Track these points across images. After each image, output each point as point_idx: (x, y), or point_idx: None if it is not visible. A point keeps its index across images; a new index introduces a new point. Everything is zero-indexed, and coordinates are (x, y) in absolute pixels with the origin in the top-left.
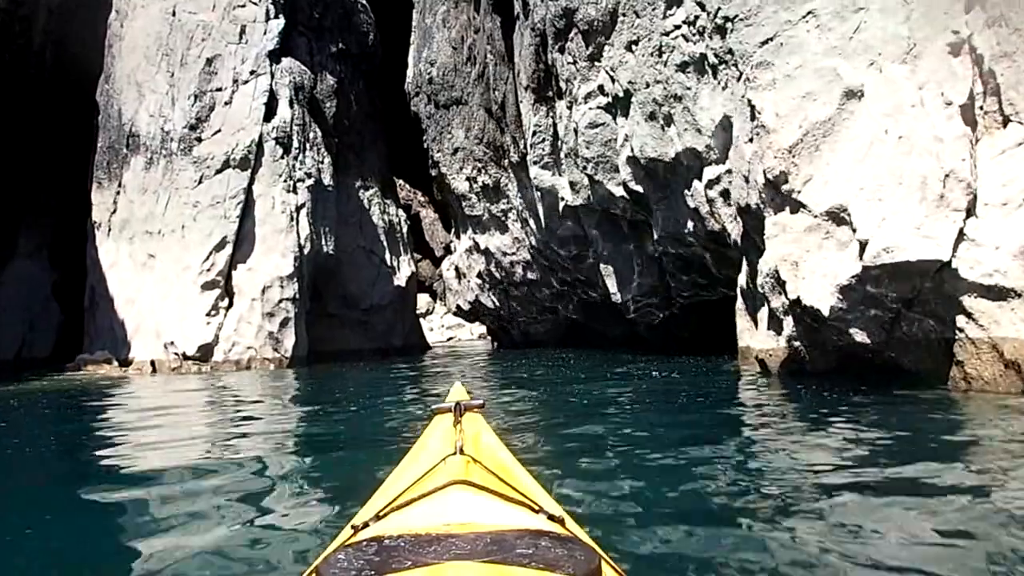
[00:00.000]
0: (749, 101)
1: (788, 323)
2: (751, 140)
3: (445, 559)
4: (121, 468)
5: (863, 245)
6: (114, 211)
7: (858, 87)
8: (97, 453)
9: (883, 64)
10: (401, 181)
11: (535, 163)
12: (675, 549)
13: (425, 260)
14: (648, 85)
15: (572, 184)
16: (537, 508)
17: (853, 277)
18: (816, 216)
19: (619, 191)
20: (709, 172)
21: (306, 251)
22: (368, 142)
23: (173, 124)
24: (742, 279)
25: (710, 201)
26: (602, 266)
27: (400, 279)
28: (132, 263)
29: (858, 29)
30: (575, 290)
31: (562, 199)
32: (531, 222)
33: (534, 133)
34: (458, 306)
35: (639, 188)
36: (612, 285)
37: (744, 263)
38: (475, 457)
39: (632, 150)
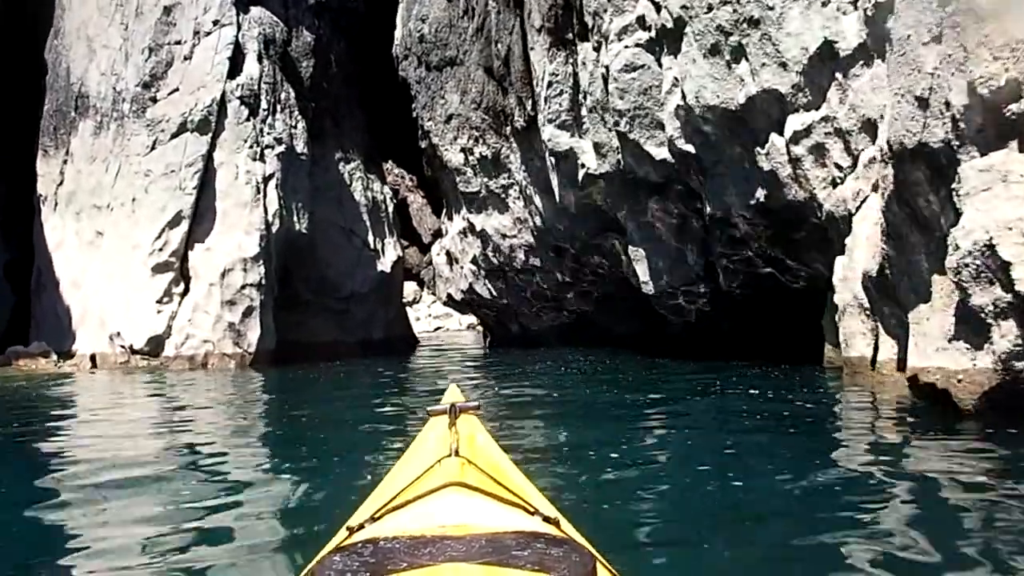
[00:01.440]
0: None
1: (1007, 331)
2: (934, 39)
3: (440, 561)
4: None
5: None
6: (60, 182)
7: None
8: None
9: None
10: (388, 163)
11: (550, 121)
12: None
13: (412, 247)
14: (710, 8)
15: (597, 147)
16: (532, 510)
17: None
18: None
19: (660, 153)
20: (795, 122)
21: (274, 228)
22: (349, 109)
23: (126, 83)
24: (841, 267)
25: (795, 161)
26: (631, 249)
27: (384, 264)
28: (78, 241)
29: None
30: (586, 279)
31: (582, 166)
32: (536, 199)
33: (549, 85)
34: (449, 295)
35: (689, 148)
36: (642, 272)
37: (849, 242)
38: (470, 459)
39: (683, 98)
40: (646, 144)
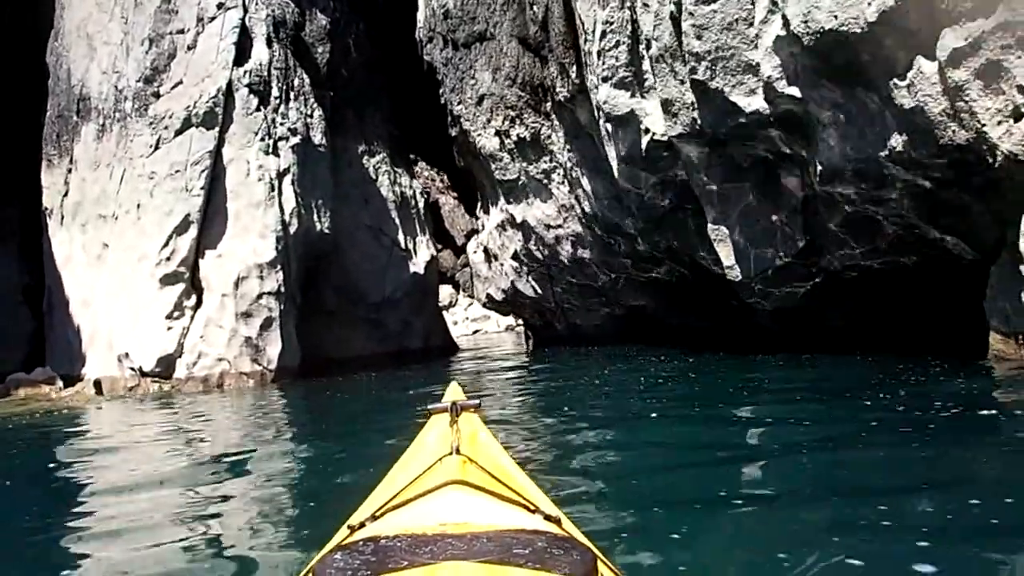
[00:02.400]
0: None
1: None
2: None
3: (441, 559)
4: None
5: None
6: (65, 194)
7: None
8: None
9: None
10: (418, 164)
11: (605, 80)
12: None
13: (446, 250)
14: None
15: (666, 105)
16: (533, 508)
17: None
18: None
19: (752, 102)
20: (955, 36)
21: (292, 230)
22: (372, 99)
23: (127, 79)
24: None
25: (954, 91)
26: (711, 228)
27: (417, 265)
28: (86, 256)
29: None
30: (646, 269)
31: (646, 131)
32: (584, 182)
33: (603, 36)
34: (489, 296)
35: (793, 91)
36: (726, 254)
37: None
38: (471, 457)
39: (786, 26)
40: (733, 93)
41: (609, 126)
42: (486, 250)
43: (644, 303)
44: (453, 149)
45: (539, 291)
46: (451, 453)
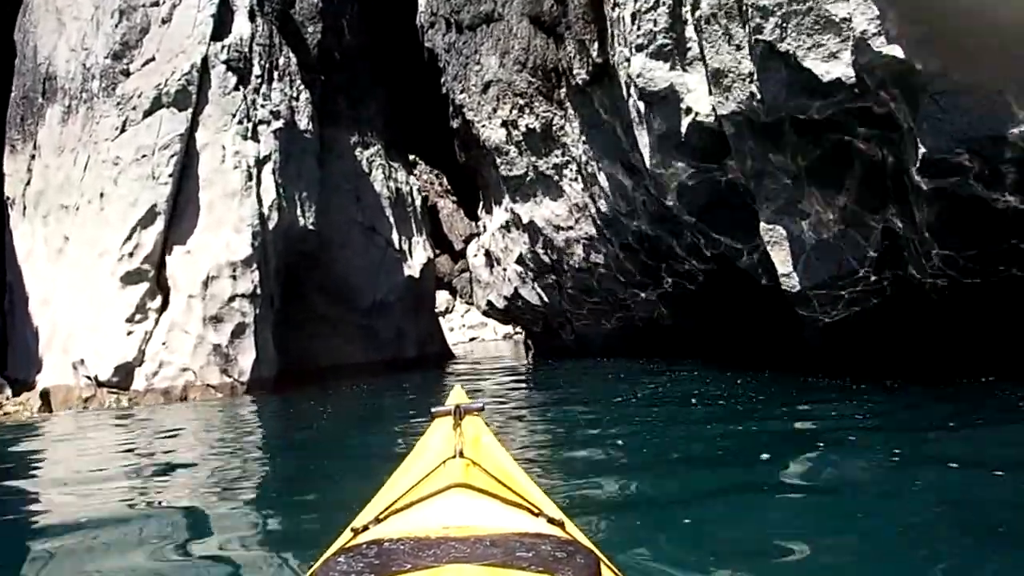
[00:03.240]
0: None
1: None
2: None
3: (445, 562)
4: None
5: None
6: (28, 181)
7: None
8: None
9: None
10: (417, 166)
11: (640, 49)
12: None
13: (444, 255)
14: None
15: (716, 76)
16: (537, 511)
17: None
18: None
19: (834, 69)
20: None
21: (272, 224)
22: (367, 87)
23: (96, 56)
24: None
25: None
26: (764, 228)
27: (412, 267)
28: (47, 249)
29: None
30: (673, 276)
31: (687, 111)
32: (601, 177)
33: None
34: (489, 303)
35: (894, 51)
36: (781, 260)
37: None
38: (475, 460)
39: None
40: (808, 58)
41: (642, 106)
42: (488, 253)
43: (662, 314)
44: (454, 143)
45: (546, 299)
46: (454, 456)
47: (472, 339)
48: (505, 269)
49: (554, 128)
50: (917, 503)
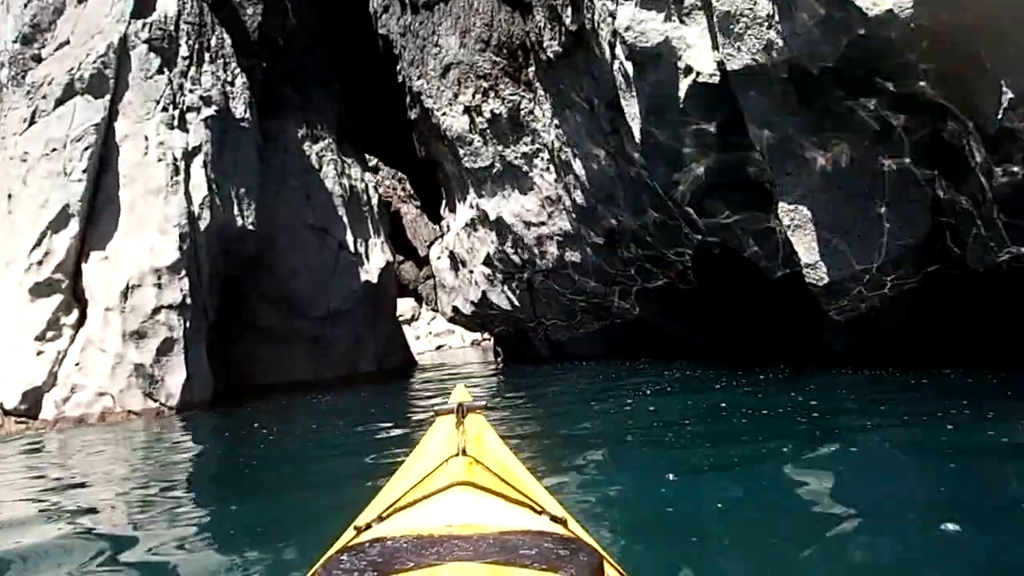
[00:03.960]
0: None
1: None
2: None
3: (447, 560)
4: None
5: None
6: None
7: None
8: None
9: None
10: (380, 168)
11: None
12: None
13: (408, 262)
14: None
15: (725, 22)
16: (540, 509)
17: None
18: None
19: (886, 1)
20: None
21: (203, 224)
22: (317, 76)
23: (4, 41)
24: None
25: None
26: (783, 210)
27: (370, 272)
28: None
29: None
30: (655, 273)
31: (687, 71)
32: (577, 165)
33: None
34: (455, 309)
35: None
36: (806, 248)
37: None
38: (477, 458)
39: None
40: None
41: (630, 68)
42: (452, 255)
43: (646, 316)
44: (413, 137)
45: (516, 302)
46: (457, 454)
47: (439, 347)
48: (471, 271)
49: (522, 112)
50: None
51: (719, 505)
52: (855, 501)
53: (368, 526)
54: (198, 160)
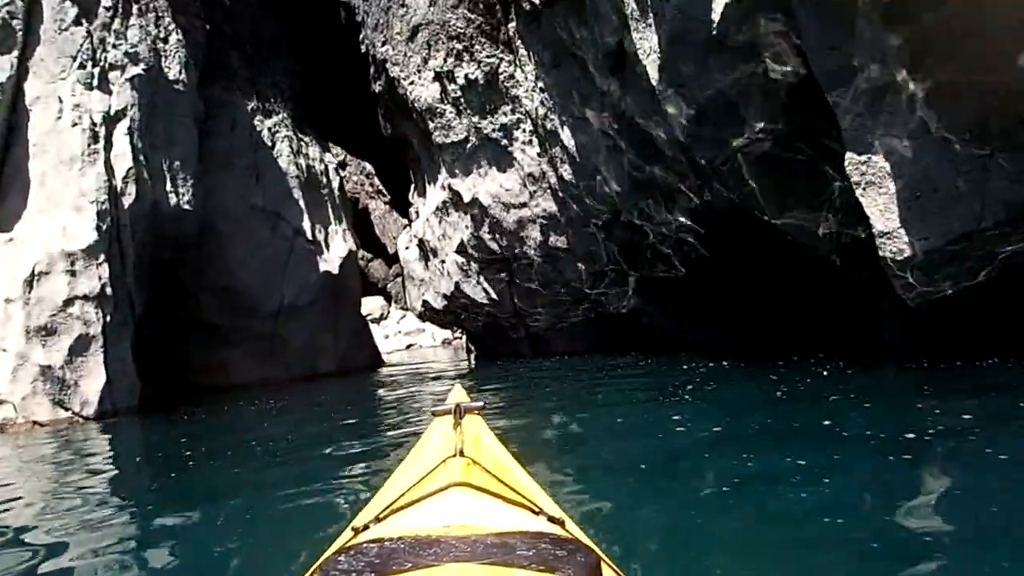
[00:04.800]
0: None
1: None
2: None
3: (445, 561)
4: None
5: None
6: None
7: None
8: None
9: None
10: (347, 164)
11: None
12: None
13: (377, 259)
14: None
15: None
16: (537, 510)
17: None
18: None
19: None
20: None
21: (127, 201)
22: (268, 42)
23: None
24: None
25: None
26: (854, 162)
27: (330, 261)
28: None
29: None
30: (656, 258)
31: None
32: (566, 133)
33: None
34: (425, 303)
35: None
36: (880, 212)
37: None
38: (475, 459)
39: None
40: None
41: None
42: (422, 244)
43: (643, 308)
44: (378, 112)
45: (493, 295)
46: (455, 455)
47: (409, 346)
48: (443, 261)
49: (501, 77)
50: None
51: (769, 523)
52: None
53: (366, 527)
54: (122, 126)
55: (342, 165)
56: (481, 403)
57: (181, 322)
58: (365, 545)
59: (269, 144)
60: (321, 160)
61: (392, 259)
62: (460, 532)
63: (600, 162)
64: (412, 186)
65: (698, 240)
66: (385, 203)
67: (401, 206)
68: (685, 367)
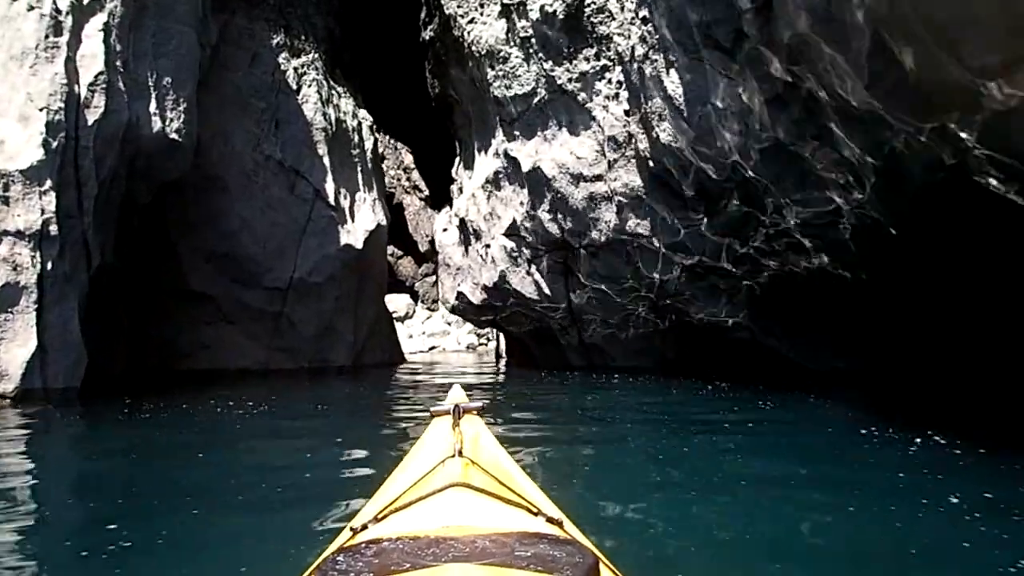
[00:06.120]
0: None
1: None
2: None
3: (444, 561)
4: None
5: None
6: None
7: None
8: None
9: None
10: (389, 150)
11: None
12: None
13: (407, 257)
14: None
15: None
16: (535, 510)
17: None
18: None
19: None
20: None
21: (92, 115)
22: None
23: None
24: None
25: None
26: None
27: (354, 233)
28: None
29: None
30: (765, 257)
31: None
32: (670, 79)
33: None
34: (460, 296)
35: None
36: None
37: None
38: (474, 459)
39: None
40: None
41: None
42: (463, 225)
43: (740, 323)
44: (424, 67)
45: (546, 289)
46: (453, 455)
47: (431, 348)
48: (487, 246)
49: (588, 11)
50: None
51: None
52: None
53: (364, 527)
54: (96, 20)
55: (378, 146)
56: (480, 403)
57: (162, 290)
58: (364, 545)
59: (294, 87)
60: (354, 115)
61: (422, 258)
62: (459, 532)
63: (716, 120)
64: (457, 159)
65: (883, 219)
66: (421, 199)
67: (437, 202)
68: (860, 429)
